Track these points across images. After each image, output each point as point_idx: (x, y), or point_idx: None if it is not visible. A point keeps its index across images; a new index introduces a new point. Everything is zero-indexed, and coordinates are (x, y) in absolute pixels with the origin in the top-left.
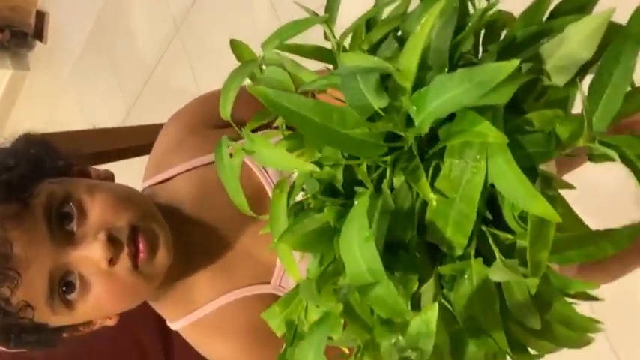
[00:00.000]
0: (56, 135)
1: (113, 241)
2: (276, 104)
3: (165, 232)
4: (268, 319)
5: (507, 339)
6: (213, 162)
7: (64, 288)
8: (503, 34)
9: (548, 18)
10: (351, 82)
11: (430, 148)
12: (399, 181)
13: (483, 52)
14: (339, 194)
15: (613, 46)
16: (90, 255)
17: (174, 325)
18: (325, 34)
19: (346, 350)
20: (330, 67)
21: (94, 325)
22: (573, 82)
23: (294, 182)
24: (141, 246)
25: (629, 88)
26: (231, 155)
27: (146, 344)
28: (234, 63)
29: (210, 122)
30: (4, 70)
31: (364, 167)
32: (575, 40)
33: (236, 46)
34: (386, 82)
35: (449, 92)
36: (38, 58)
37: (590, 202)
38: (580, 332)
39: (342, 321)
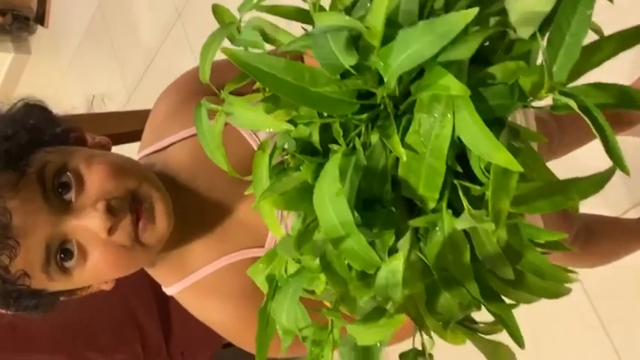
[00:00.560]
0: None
1: (112, 211)
2: (247, 65)
3: (166, 201)
4: (253, 276)
5: (481, 289)
6: None
7: (61, 255)
8: None
9: None
10: (321, 41)
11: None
12: (375, 138)
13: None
14: (317, 153)
15: None
16: (89, 225)
17: (169, 290)
18: None
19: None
20: (309, 28)
21: (90, 288)
22: (538, 33)
23: (275, 143)
24: (141, 215)
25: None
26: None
27: (141, 314)
28: None
29: (204, 91)
30: (5, 53)
31: (338, 125)
32: None
33: (217, 11)
34: (359, 42)
35: (412, 46)
36: (40, 43)
37: None
38: (554, 282)
39: (322, 277)
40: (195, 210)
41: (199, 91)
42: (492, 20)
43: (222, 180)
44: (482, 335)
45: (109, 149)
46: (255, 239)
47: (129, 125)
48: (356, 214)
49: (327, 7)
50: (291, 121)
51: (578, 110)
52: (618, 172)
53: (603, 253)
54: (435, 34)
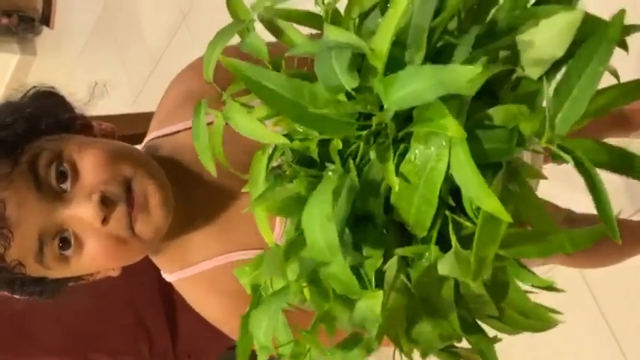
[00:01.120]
0: None
1: (106, 201)
2: (247, 78)
3: (163, 190)
4: (239, 277)
5: (463, 320)
6: None
7: (60, 244)
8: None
9: (535, 3)
10: (325, 58)
11: (404, 127)
12: (374, 154)
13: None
14: (314, 163)
15: (585, 47)
16: (82, 215)
17: (168, 277)
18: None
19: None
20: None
21: (97, 275)
22: (546, 77)
23: (276, 146)
24: (136, 206)
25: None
26: None
27: (148, 317)
28: None
29: (218, 79)
30: (11, 55)
31: (335, 144)
32: (547, 37)
33: (231, 3)
34: (363, 61)
35: (415, 85)
36: (45, 44)
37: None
38: (538, 321)
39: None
40: (201, 200)
41: (213, 79)
42: (502, 53)
43: (230, 174)
44: None
45: (114, 137)
46: (259, 240)
47: (135, 127)
48: (347, 231)
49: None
50: (288, 136)
51: (574, 167)
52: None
53: (607, 254)
54: (438, 80)
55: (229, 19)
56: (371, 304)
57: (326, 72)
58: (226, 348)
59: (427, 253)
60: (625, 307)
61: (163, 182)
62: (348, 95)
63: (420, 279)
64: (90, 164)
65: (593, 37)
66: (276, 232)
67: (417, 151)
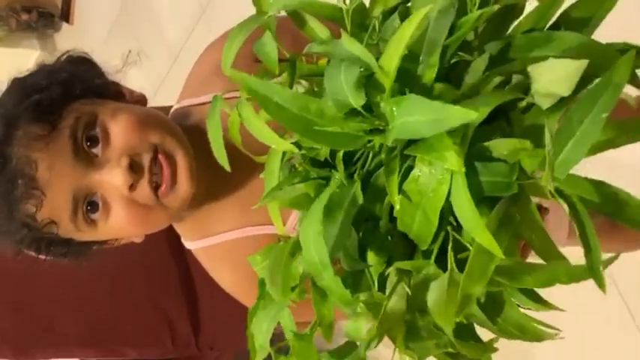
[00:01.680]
0: None
1: (135, 167)
2: (253, 92)
3: (190, 161)
4: (252, 264)
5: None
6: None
7: (88, 207)
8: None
9: (554, 24)
10: (335, 72)
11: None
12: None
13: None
14: (326, 162)
15: (589, 92)
16: (111, 181)
17: (187, 245)
18: None
19: None
20: None
21: (121, 240)
22: (555, 110)
23: None
24: (164, 176)
25: None
26: None
27: (170, 309)
28: None
29: (251, 56)
30: (30, 50)
31: (341, 155)
32: (555, 75)
33: None
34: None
35: (415, 116)
36: (64, 40)
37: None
38: (534, 336)
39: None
40: (224, 172)
41: (246, 54)
42: (515, 78)
43: (256, 150)
44: None
45: (145, 104)
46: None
47: None
48: (354, 233)
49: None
50: (295, 143)
51: (568, 213)
52: (632, 182)
53: (628, 240)
54: (436, 116)
55: (248, 13)
56: (357, 326)
57: (335, 87)
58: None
59: (426, 268)
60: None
61: (189, 150)
62: (355, 111)
63: (416, 291)
64: (121, 129)
65: (599, 82)
66: (292, 217)
67: (420, 171)
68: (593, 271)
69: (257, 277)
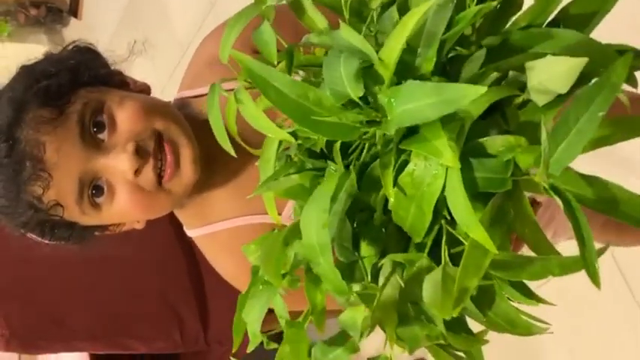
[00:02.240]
0: None
1: (140, 153)
2: (252, 73)
3: (193, 148)
4: (246, 254)
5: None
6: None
7: (93, 191)
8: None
9: (552, 20)
10: (334, 62)
11: (408, 137)
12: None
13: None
14: (322, 153)
15: (587, 91)
16: (117, 165)
17: (189, 232)
18: None
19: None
20: None
21: (123, 226)
22: (550, 107)
23: None
24: (167, 161)
25: None
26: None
27: (179, 304)
28: None
29: (249, 45)
30: (38, 45)
31: (338, 146)
32: (552, 73)
33: None
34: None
35: (417, 101)
36: (72, 35)
37: None
38: (524, 330)
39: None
40: (224, 161)
41: (245, 43)
42: (512, 74)
43: (255, 140)
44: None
45: (149, 94)
46: (280, 205)
47: None
48: (348, 225)
49: None
50: (292, 133)
51: (562, 208)
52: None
53: (622, 234)
54: (439, 98)
55: None
56: (353, 316)
57: (333, 77)
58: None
59: (419, 261)
60: None
61: (192, 138)
62: (353, 102)
63: (409, 283)
64: (127, 116)
65: (597, 81)
66: (287, 206)
67: (416, 164)
68: (586, 264)
69: None
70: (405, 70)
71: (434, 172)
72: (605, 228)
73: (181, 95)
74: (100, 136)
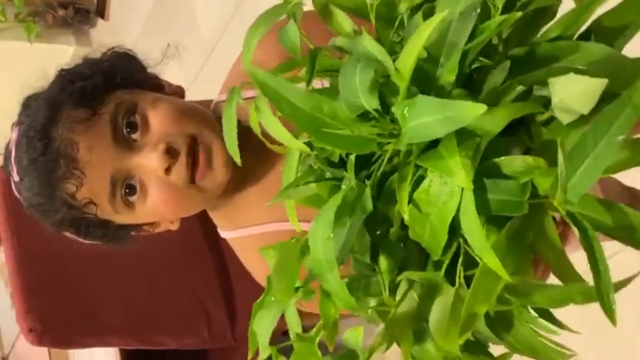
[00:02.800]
0: None
1: (171, 152)
2: (265, 86)
3: (225, 151)
4: (266, 258)
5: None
6: None
7: (126, 190)
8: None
9: (585, 31)
10: (350, 72)
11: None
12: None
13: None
14: (342, 162)
15: (606, 113)
16: (149, 163)
17: (223, 234)
18: None
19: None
20: None
21: (158, 227)
22: (574, 125)
23: None
24: (200, 161)
25: None
26: None
27: (207, 301)
28: None
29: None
30: (66, 46)
31: (352, 159)
32: (575, 92)
33: None
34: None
35: (426, 117)
36: (100, 35)
37: None
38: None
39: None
40: (255, 167)
41: (281, 54)
42: (537, 88)
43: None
44: None
45: (183, 97)
46: (304, 213)
47: None
48: (367, 236)
49: None
50: (308, 143)
51: (578, 238)
52: None
53: None
54: (444, 115)
55: None
56: (354, 337)
57: (348, 89)
58: (281, 332)
59: (435, 280)
60: None
61: (224, 142)
62: (368, 114)
63: (424, 302)
64: (161, 118)
65: (616, 102)
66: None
67: (432, 181)
68: (602, 298)
69: None
70: (426, 82)
71: (450, 189)
72: None
73: (219, 99)
74: (133, 136)
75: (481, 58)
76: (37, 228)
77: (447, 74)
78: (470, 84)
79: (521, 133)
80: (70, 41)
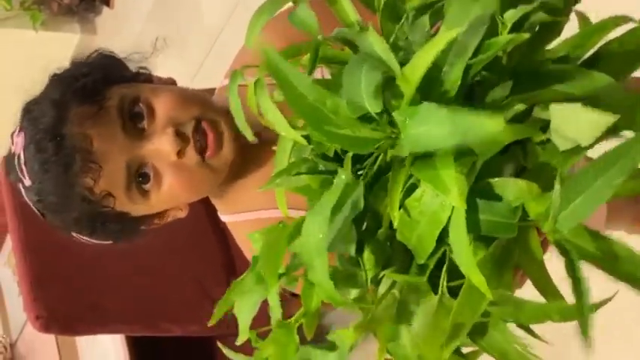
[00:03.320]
0: None
1: (181, 135)
2: (275, 68)
3: (230, 128)
4: (252, 242)
5: None
6: None
7: (140, 179)
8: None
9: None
10: (355, 72)
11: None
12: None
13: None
14: (336, 156)
15: (610, 154)
16: (160, 148)
17: (222, 217)
18: None
19: None
20: None
21: (167, 217)
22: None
23: None
24: (209, 139)
25: None
26: None
27: (212, 288)
28: None
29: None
30: (72, 34)
31: (350, 156)
32: (577, 124)
33: None
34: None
35: (430, 126)
36: (105, 23)
37: None
38: None
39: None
40: (255, 153)
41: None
42: (537, 109)
43: None
44: None
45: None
46: (302, 201)
47: None
48: (353, 231)
49: None
50: (305, 136)
51: (565, 266)
52: None
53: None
54: (453, 127)
55: None
56: (341, 338)
57: (353, 89)
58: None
59: (418, 284)
60: None
61: (229, 121)
62: (370, 116)
63: (404, 304)
64: (164, 103)
65: (621, 145)
66: None
67: (424, 191)
68: (581, 318)
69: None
70: (428, 89)
71: (442, 202)
72: (636, 221)
73: (224, 83)
74: (140, 125)
75: (484, 73)
76: (44, 222)
77: (449, 84)
78: (470, 95)
79: (516, 151)
80: (75, 29)
